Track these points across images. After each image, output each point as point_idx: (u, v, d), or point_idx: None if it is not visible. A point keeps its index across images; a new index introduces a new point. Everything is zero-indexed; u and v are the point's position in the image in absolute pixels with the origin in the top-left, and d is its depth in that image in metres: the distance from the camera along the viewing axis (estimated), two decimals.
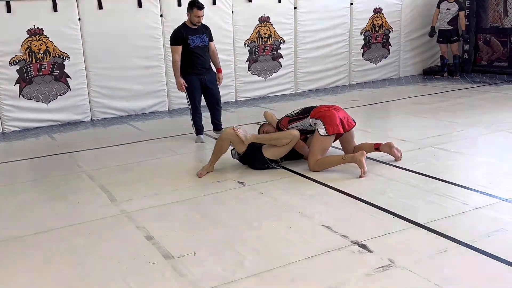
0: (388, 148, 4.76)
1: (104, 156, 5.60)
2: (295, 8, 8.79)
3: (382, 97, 8.27)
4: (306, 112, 4.73)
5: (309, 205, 3.82)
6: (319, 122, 4.52)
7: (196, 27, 5.82)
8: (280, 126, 4.84)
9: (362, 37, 9.62)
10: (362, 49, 9.68)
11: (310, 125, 4.65)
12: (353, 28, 9.47)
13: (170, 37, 5.96)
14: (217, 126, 6.20)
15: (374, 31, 9.72)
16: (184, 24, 5.89)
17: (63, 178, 4.81)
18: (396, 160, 4.73)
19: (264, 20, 8.61)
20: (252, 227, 3.46)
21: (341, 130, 4.54)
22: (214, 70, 6.15)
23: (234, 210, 3.81)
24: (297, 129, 4.70)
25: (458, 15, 9.55)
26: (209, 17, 8.04)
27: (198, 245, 3.20)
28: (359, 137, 5.09)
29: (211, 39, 6.01)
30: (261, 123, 5.29)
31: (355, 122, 4.73)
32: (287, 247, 3.14)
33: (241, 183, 4.39)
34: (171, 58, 7.73)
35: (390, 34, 9.92)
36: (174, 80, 7.93)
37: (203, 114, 6.13)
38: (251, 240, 3.26)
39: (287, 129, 4.74)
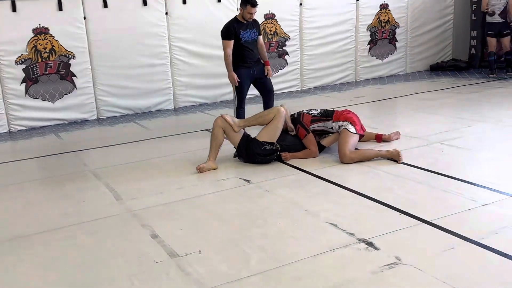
0: (388, 137, 5.28)
1: (110, 154, 5.61)
2: (300, 4, 8.75)
3: (389, 94, 8.22)
4: (327, 115, 4.95)
5: (315, 203, 3.79)
6: (346, 123, 4.79)
7: (247, 22, 5.86)
8: (302, 122, 4.90)
9: (369, 33, 9.57)
10: (369, 45, 9.62)
11: (332, 128, 4.89)
12: (359, 24, 9.42)
13: (221, 31, 5.94)
14: None
15: (381, 27, 9.66)
16: (235, 19, 5.94)
17: (69, 177, 4.81)
18: (388, 140, 5.22)
19: (270, 17, 8.58)
20: (257, 225, 3.45)
21: (363, 133, 4.92)
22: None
23: (239, 208, 3.79)
24: (318, 129, 4.92)
25: (507, 4, 8.83)
26: (214, 14, 8.06)
27: (203, 244, 3.19)
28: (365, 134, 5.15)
29: (259, 33, 6.01)
30: None
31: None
32: (293, 245, 3.12)
33: (247, 181, 4.37)
34: (174, 57, 7.87)
35: (397, 30, 9.85)
36: (180, 79, 8.05)
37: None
38: (256, 238, 3.24)
39: (309, 127, 4.88)
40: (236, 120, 4.83)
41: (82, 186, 4.50)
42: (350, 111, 5.02)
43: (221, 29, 5.94)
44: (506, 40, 9.04)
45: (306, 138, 4.85)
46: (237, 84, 5.87)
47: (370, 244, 3.05)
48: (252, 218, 3.57)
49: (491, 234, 3.09)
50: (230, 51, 5.80)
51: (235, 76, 5.83)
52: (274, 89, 6.31)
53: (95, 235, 3.44)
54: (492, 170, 4.29)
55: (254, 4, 5.70)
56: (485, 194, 3.75)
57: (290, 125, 4.88)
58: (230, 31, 5.82)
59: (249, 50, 5.89)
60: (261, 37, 6.08)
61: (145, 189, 4.29)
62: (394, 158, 4.60)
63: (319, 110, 5.03)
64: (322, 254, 2.96)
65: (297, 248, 3.07)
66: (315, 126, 4.91)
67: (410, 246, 3.02)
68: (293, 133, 4.89)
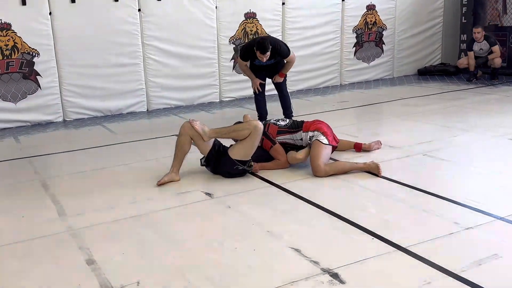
0: (368, 147, 4.89)
1: (67, 161, 5.16)
2: (283, 4, 8.34)
3: (373, 99, 7.84)
4: (296, 126, 4.55)
5: (280, 222, 3.39)
6: (318, 134, 4.40)
7: None
8: (267, 133, 4.48)
9: (354, 35, 9.18)
10: (354, 48, 9.24)
11: (302, 139, 4.49)
12: (345, 26, 9.03)
13: (240, 49, 6.28)
14: (284, 114, 6.31)
15: (367, 29, 9.28)
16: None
17: (14, 187, 4.37)
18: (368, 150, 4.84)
19: (250, 16, 8.17)
20: (211, 249, 3.03)
21: (336, 144, 4.55)
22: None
23: (194, 228, 3.37)
24: (284, 141, 4.52)
25: (491, 50, 8.61)
26: (191, 12, 7.66)
27: (145, 272, 2.77)
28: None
29: (284, 57, 6.00)
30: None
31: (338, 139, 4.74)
32: (246, 275, 2.71)
33: (209, 194, 3.96)
34: (148, 57, 7.45)
35: (384, 32, 9.48)
36: (154, 80, 7.63)
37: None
38: (207, 266, 2.82)
39: (275, 139, 4.48)
40: (207, 129, 4.26)
41: (25, 198, 4.06)
42: (321, 121, 4.63)
43: (281, 53, 5.90)
44: (497, 60, 8.63)
45: (273, 149, 4.44)
46: (257, 92, 6.15)
47: (335, 276, 2.65)
48: (207, 241, 3.15)
49: (474, 265, 2.70)
50: (245, 66, 6.08)
51: (257, 83, 6.08)
52: (283, 87, 6.33)
53: (24, 259, 3.01)
54: (478, 187, 3.90)
55: (263, 52, 5.65)
56: (469, 215, 3.36)
57: None
58: (246, 55, 5.95)
59: (262, 69, 6.08)
60: (291, 56, 6.00)
61: (94, 203, 3.86)
62: (373, 171, 4.21)
63: (287, 121, 4.65)
64: None
65: (251, 280, 2.66)
66: (281, 138, 4.51)
67: (380, 280, 2.62)
68: (258, 144, 4.47)
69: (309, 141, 4.42)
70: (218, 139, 4.40)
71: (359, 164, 4.30)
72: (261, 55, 5.64)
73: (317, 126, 4.47)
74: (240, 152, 4.24)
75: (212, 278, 2.69)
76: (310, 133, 4.42)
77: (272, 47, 5.67)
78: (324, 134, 4.39)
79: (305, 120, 4.67)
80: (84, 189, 4.19)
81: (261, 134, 4.28)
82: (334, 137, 4.53)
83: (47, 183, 4.40)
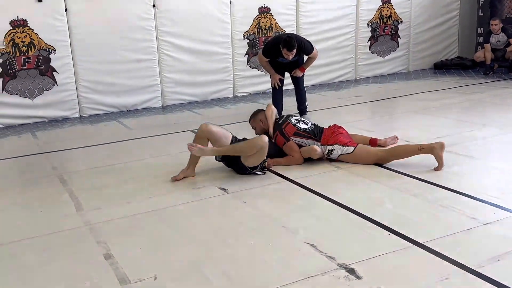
0: (384, 143, 4.79)
1: (83, 156, 5.22)
2: None
3: (389, 93, 7.78)
4: (315, 135, 4.46)
5: (296, 218, 3.38)
6: (338, 147, 4.35)
7: None
8: (283, 131, 4.45)
9: (369, 28, 9.12)
10: (369, 42, 9.17)
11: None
12: (360, 19, 8.97)
13: (264, 45, 6.23)
14: (299, 109, 6.34)
15: (382, 23, 9.20)
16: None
17: (32, 182, 4.43)
18: (384, 146, 4.71)
19: (264, 11, 8.15)
20: (226, 245, 3.04)
21: (356, 145, 4.45)
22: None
23: (210, 223, 3.39)
24: (298, 144, 4.44)
25: (509, 42, 8.55)
26: (205, 7, 7.67)
27: (162, 267, 2.79)
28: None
29: (307, 53, 5.96)
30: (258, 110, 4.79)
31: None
32: (262, 270, 2.71)
33: (224, 189, 3.96)
34: (163, 52, 7.46)
35: (399, 26, 9.39)
36: (168, 75, 7.66)
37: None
38: (223, 260, 2.84)
39: (290, 138, 4.42)
40: (207, 149, 4.14)
41: (43, 193, 4.10)
42: (338, 128, 4.54)
43: (304, 50, 5.84)
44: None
45: (286, 146, 4.42)
46: (276, 87, 6.13)
47: (351, 271, 2.64)
48: (222, 236, 3.17)
49: (492, 261, 2.67)
50: (266, 62, 6.03)
51: (277, 78, 6.07)
52: (300, 82, 6.29)
53: (43, 253, 3.05)
54: (496, 182, 3.85)
55: (289, 50, 5.60)
56: (488, 211, 3.32)
57: (271, 130, 4.45)
58: (270, 52, 5.90)
59: (283, 65, 6.05)
60: (313, 53, 5.92)
61: (112, 198, 3.89)
62: (435, 156, 4.11)
63: (309, 125, 4.55)
64: (294, 284, 2.55)
65: (267, 275, 2.66)
66: (297, 139, 4.45)
67: (398, 275, 2.60)
68: (273, 141, 4.46)
69: (329, 154, 4.39)
70: (233, 134, 4.39)
71: (423, 149, 4.19)
72: (287, 52, 5.59)
73: (335, 139, 4.39)
74: (253, 162, 4.14)
75: (228, 272, 2.70)
76: (329, 147, 4.38)
77: (297, 45, 5.64)
78: (344, 145, 4.36)
79: (325, 127, 4.59)
80: (101, 184, 4.23)
81: (267, 146, 4.08)
82: (351, 140, 4.49)
83: (64, 178, 4.45)
